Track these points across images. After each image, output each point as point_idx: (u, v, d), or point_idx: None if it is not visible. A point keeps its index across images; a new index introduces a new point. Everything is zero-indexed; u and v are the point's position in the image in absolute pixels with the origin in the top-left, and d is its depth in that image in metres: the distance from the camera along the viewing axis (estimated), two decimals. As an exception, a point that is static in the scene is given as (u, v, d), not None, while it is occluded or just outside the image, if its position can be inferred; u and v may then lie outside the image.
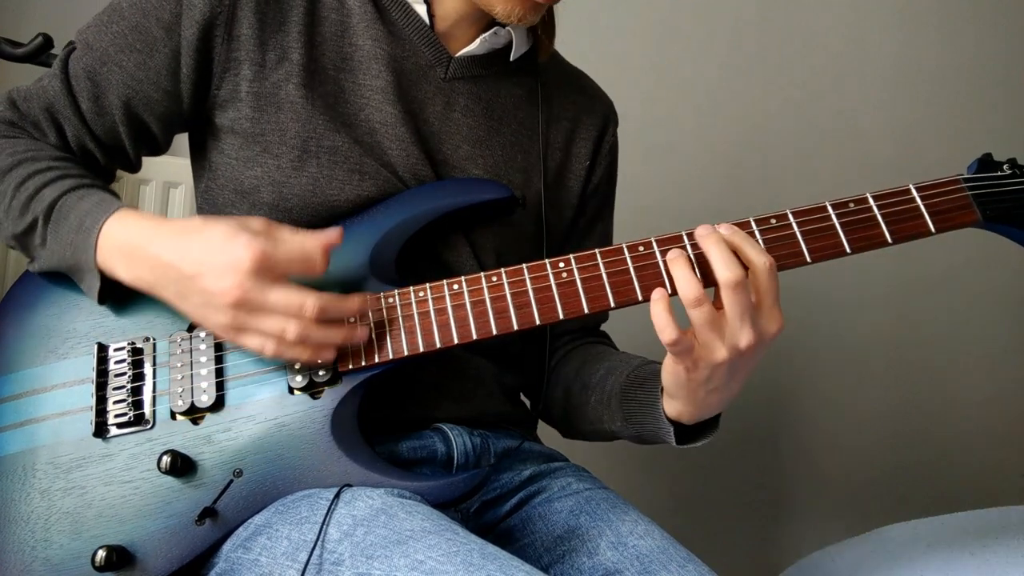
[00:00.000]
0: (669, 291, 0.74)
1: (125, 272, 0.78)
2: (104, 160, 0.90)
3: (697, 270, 0.73)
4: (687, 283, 0.71)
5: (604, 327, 1.10)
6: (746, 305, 0.71)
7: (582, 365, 0.99)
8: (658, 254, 0.77)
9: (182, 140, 0.95)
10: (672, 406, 0.81)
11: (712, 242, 0.72)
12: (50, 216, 0.80)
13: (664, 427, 0.83)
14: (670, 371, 0.77)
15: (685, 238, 0.77)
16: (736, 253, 0.72)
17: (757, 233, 0.77)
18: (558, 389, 1.01)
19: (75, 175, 0.83)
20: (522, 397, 1.05)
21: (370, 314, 0.79)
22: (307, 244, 0.75)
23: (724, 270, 0.70)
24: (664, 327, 0.72)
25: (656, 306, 0.72)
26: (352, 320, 0.78)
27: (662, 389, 0.81)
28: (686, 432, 0.83)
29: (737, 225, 0.77)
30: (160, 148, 0.93)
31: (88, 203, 0.80)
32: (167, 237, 0.76)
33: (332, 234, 0.77)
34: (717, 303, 0.73)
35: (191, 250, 0.74)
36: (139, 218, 0.79)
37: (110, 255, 0.78)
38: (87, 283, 0.81)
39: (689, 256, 0.74)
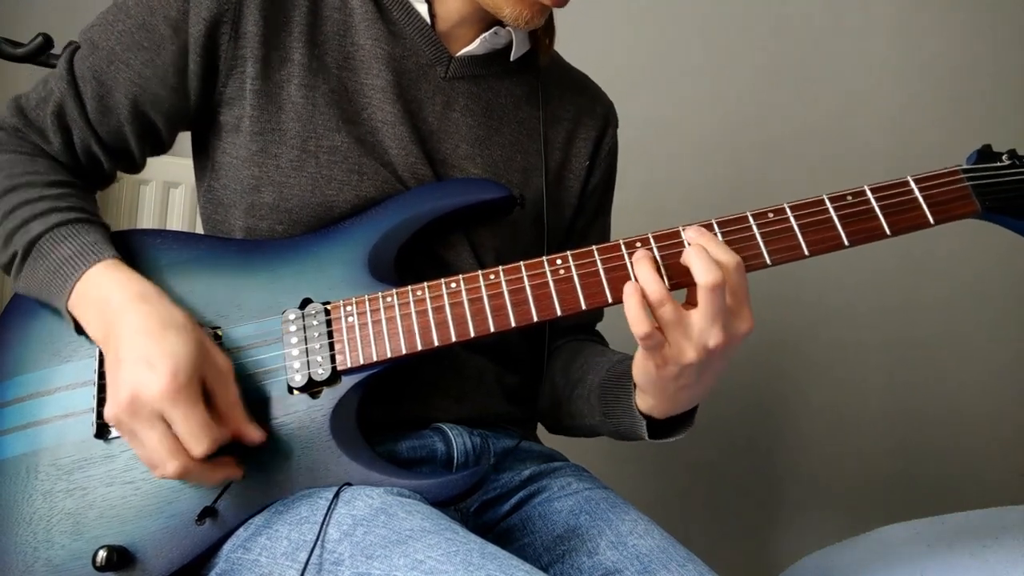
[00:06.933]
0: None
1: (92, 329, 0.78)
2: (108, 164, 0.90)
3: (663, 270, 0.75)
4: (652, 283, 0.73)
5: (600, 328, 1.10)
6: (721, 306, 0.71)
7: (569, 361, 1.00)
8: (655, 250, 0.78)
9: (183, 140, 0.95)
10: (644, 401, 0.82)
11: (692, 248, 0.73)
12: (28, 254, 0.80)
13: (637, 421, 0.84)
14: (640, 366, 0.78)
15: (682, 232, 0.77)
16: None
17: (754, 227, 0.77)
18: (546, 385, 1.02)
19: (64, 208, 0.81)
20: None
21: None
22: (205, 427, 0.71)
23: (705, 273, 0.71)
24: (637, 321, 0.72)
25: (630, 300, 0.73)
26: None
27: (635, 384, 0.82)
28: (660, 427, 0.85)
29: (733, 220, 0.77)
30: (164, 147, 0.93)
31: (69, 248, 0.79)
32: (139, 321, 0.74)
33: (255, 435, 0.75)
34: (690, 303, 0.74)
35: (142, 343, 0.72)
36: (122, 282, 0.77)
37: (83, 307, 0.78)
38: (64, 320, 0.81)
39: (655, 257, 0.75)
